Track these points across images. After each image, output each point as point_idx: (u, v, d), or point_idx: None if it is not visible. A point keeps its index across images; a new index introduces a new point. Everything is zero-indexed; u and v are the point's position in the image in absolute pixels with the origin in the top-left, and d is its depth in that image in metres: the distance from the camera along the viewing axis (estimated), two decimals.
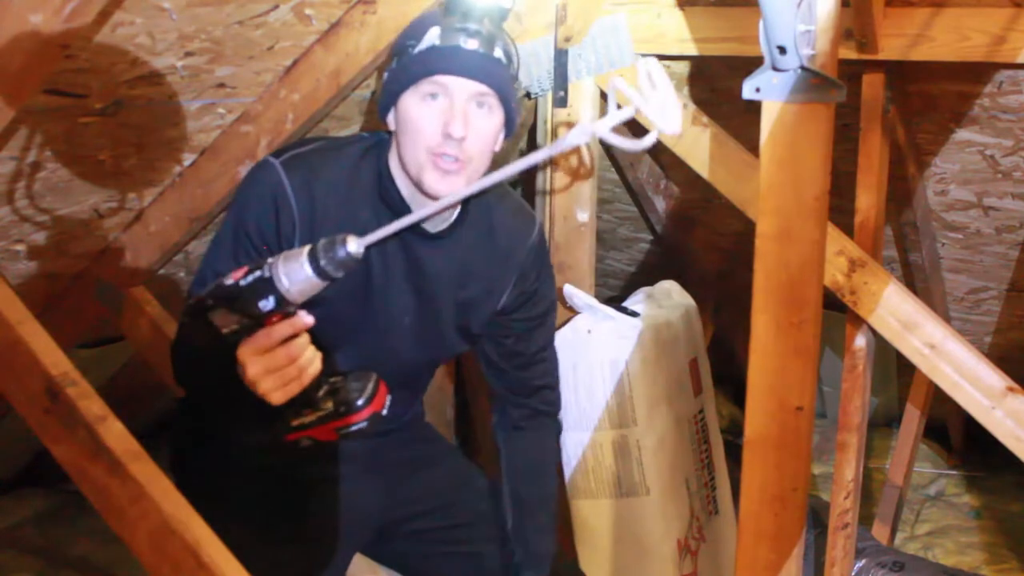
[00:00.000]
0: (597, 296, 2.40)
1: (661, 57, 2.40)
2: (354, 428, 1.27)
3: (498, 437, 1.78)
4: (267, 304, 1.12)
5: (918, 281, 2.88)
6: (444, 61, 1.39)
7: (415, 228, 1.50)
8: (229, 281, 1.14)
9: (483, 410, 3.27)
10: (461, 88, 1.40)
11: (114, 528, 1.46)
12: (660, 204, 3.07)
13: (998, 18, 1.92)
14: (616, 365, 2.27)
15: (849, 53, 2.04)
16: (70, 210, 2.08)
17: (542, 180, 2.53)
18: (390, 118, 1.47)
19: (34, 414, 1.50)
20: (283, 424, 1.25)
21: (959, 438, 3.73)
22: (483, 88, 1.41)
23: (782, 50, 1.41)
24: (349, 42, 2.00)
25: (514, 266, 1.63)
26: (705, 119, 2.30)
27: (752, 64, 1.50)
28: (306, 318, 1.15)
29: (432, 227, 1.52)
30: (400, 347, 1.58)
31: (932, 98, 2.30)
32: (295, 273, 1.10)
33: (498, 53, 1.43)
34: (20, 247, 2.12)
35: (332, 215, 1.45)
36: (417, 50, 1.41)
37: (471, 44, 1.40)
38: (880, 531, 3.01)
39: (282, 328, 1.15)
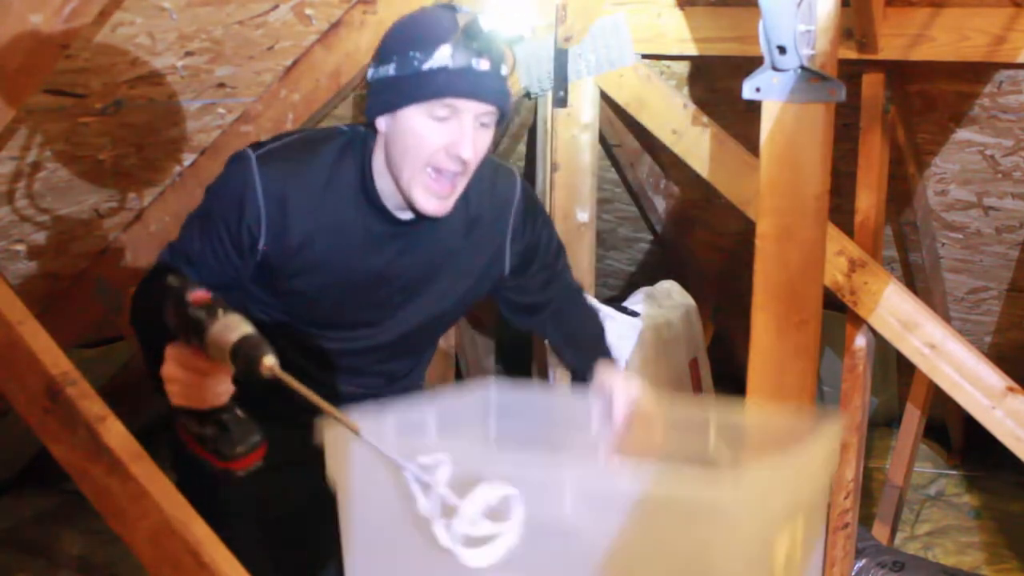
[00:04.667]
0: (597, 296, 2.40)
1: (661, 57, 2.40)
2: (215, 468, 1.31)
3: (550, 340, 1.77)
4: (199, 336, 1.17)
5: (918, 281, 2.88)
6: (459, 84, 1.38)
7: (391, 218, 1.50)
8: (189, 297, 1.18)
9: None
10: (472, 109, 1.40)
11: (114, 528, 1.46)
12: (660, 204, 3.07)
13: (998, 18, 1.92)
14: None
15: (849, 53, 2.04)
16: (70, 210, 2.08)
17: (542, 180, 2.54)
18: (382, 122, 1.45)
19: (34, 414, 1.50)
20: (179, 421, 1.29)
21: (959, 438, 3.73)
22: (492, 108, 1.42)
23: (782, 50, 1.42)
24: (349, 42, 2.00)
25: (503, 228, 1.61)
26: (705, 119, 2.30)
27: (752, 64, 1.50)
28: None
29: (405, 215, 1.52)
30: (398, 323, 1.59)
31: (932, 98, 2.30)
32: (223, 336, 1.14)
33: (504, 70, 1.43)
34: (20, 247, 2.12)
35: (306, 214, 1.45)
36: (427, 67, 1.38)
37: (483, 65, 1.38)
38: (880, 531, 3.01)
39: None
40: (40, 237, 2.12)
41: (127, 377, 3.07)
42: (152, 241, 2.25)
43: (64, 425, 1.47)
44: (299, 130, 1.54)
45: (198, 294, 1.19)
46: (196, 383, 1.22)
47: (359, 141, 1.50)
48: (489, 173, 1.58)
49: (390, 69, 1.42)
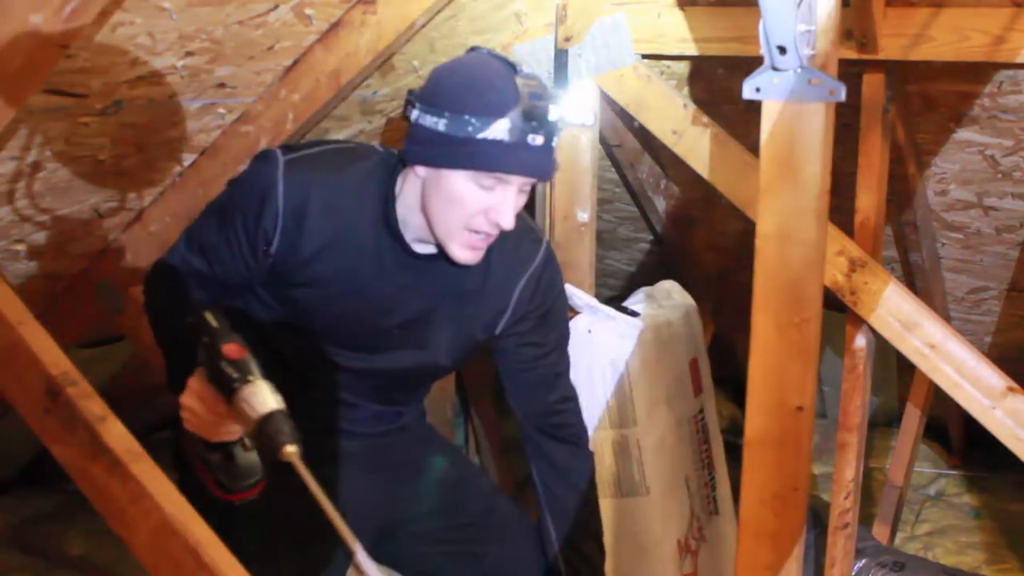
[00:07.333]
0: (597, 296, 2.40)
1: (661, 57, 2.41)
2: (212, 494, 1.34)
3: (534, 473, 1.72)
4: (227, 391, 1.19)
5: (918, 281, 2.88)
6: (512, 161, 1.36)
7: (407, 249, 1.50)
8: (223, 348, 1.20)
9: (483, 410, 3.27)
10: (519, 182, 1.40)
11: (114, 528, 1.46)
12: (660, 204, 3.07)
13: (998, 18, 1.92)
14: (616, 365, 2.27)
15: (849, 53, 2.04)
16: (70, 210, 2.08)
17: None
18: (422, 170, 1.42)
19: (34, 414, 1.50)
20: (187, 439, 1.32)
21: (959, 438, 3.73)
22: (537, 180, 1.43)
23: (782, 50, 1.41)
24: (349, 42, 2.00)
25: (511, 290, 1.60)
26: (705, 119, 2.30)
27: (752, 64, 1.50)
28: None
29: (421, 249, 1.51)
30: (394, 358, 1.58)
31: (932, 98, 2.30)
32: (251, 405, 1.16)
33: (555, 142, 1.41)
34: (20, 247, 2.12)
35: (322, 228, 1.44)
36: (481, 136, 1.35)
37: (538, 141, 1.37)
38: (880, 531, 3.01)
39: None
40: (40, 237, 2.12)
41: (127, 377, 3.07)
42: (152, 241, 2.25)
43: (64, 425, 1.47)
44: (335, 140, 1.53)
45: (232, 346, 1.20)
46: (211, 421, 1.24)
47: (390, 166, 1.48)
48: (517, 232, 1.53)
49: (440, 124, 1.37)
